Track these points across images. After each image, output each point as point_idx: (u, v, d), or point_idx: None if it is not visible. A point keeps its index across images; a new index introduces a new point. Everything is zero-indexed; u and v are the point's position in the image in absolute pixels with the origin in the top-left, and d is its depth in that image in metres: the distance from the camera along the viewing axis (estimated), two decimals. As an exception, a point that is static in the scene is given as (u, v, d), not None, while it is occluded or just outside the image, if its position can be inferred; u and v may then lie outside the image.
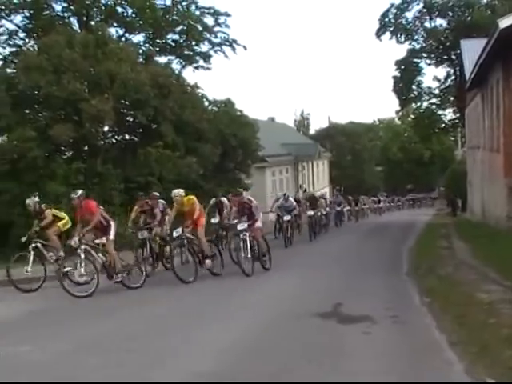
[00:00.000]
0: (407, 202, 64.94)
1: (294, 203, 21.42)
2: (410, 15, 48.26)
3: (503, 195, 17.33)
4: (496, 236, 15.79)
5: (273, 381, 5.64)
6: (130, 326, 8.39)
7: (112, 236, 11.85)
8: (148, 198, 15.40)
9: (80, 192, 12.03)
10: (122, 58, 22.12)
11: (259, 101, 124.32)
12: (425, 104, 52.28)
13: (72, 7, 27.48)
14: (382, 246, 19.25)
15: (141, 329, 8.09)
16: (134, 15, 28.81)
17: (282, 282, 12.16)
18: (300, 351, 6.53)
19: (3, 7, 26.60)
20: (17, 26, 27.79)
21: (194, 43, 30.93)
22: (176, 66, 30.50)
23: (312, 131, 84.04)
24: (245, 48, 32.27)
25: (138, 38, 30.40)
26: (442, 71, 58.99)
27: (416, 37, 48.95)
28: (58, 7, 27.82)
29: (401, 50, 78.09)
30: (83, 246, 11.34)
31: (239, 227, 13.39)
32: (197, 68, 31.64)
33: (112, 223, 12.02)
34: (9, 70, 24.02)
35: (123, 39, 28.87)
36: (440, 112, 52.43)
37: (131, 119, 23.61)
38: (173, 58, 30.99)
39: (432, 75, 67.10)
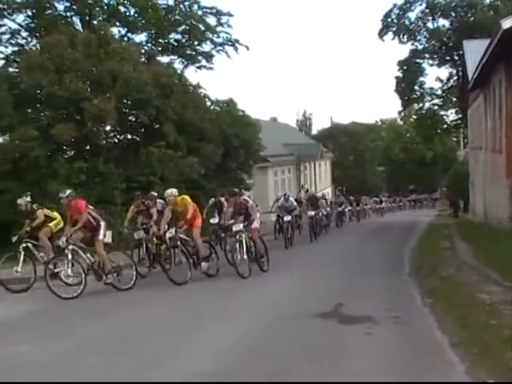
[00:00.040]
0: (408, 202, 64.91)
1: (295, 203, 21.24)
2: (412, 15, 48.29)
3: (505, 196, 17.30)
4: (498, 237, 15.77)
5: (273, 381, 5.63)
6: (122, 328, 8.35)
7: (101, 236, 11.61)
8: (146, 197, 15.32)
9: (68, 191, 11.83)
10: (125, 58, 22.13)
11: (261, 101, 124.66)
12: (427, 104, 52.26)
13: (74, 6, 27.49)
14: (384, 246, 19.23)
15: (133, 330, 8.07)
16: (136, 15, 28.82)
17: (283, 283, 12.08)
18: (300, 351, 6.52)
19: (6, 6, 26.60)
20: (19, 25, 27.85)
21: (196, 43, 30.93)
22: (178, 65, 30.56)
23: (314, 131, 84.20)
24: (247, 48, 32.32)
25: (141, 37, 30.47)
26: (444, 72, 58.85)
27: (418, 37, 48.92)
28: (60, 6, 27.89)
29: (403, 51, 77.98)
30: (71, 247, 11.16)
31: (235, 228, 13.17)
32: (199, 68, 31.69)
33: (102, 223, 11.76)
34: (11, 70, 24.02)
35: (125, 39, 28.88)
36: (442, 112, 52.42)
37: (133, 119, 23.61)
38: (175, 57, 31.03)
39: (434, 76, 67.28)
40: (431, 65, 50.45)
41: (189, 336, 7.50)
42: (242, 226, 13.07)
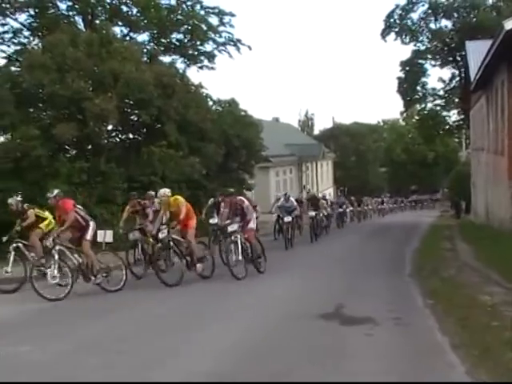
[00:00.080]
0: (409, 203, 64.89)
1: (295, 203, 21.05)
2: (415, 16, 48.26)
3: (507, 197, 17.29)
4: (499, 238, 15.76)
5: (274, 381, 5.63)
6: (120, 328, 8.34)
7: (89, 236, 11.48)
8: (143, 197, 15.17)
9: (56, 191, 11.72)
10: (126, 57, 22.10)
11: (263, 101, 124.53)
12: (429, 105, 52.26)
13: (77, 6, 27.42)
14: (385, 247, 19.21)
15: (130, 330, 8.07)
16: (138, 14, 28.76)
17: (283, 284, 12.03)
18: (301, 352, 6.52)
19: (8, 5, 26.59)
20: (22, 24, 27.76)
21: (198, 43, 30.86)
22: (180, 65, 30.46)
23: (316, 132, 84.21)
24: (249, 48, 32.23)
25: (143, 37, 30.37)
26: (446, 72, 59.08)
27: (421, 38, 48.90)
28: (62, 6, 27.79)
29: (405, 51, 78.02)
30: (57, 247, 11.02)
31: (230, 229, 12.96)
32: (201, 68, 31.59)
33: (91, 223, 11.66)
34: (13, 69, 23.97)
35: (128, 38, 28.82)
36: (444, 113, 52.40)
37: (135, 118, 23.59)
38: (177, 57, 30.95)
39: (437, 76, 67.36)
40: (433, 65, 50.55)
41: (183, 338, 7.49)
42: (237, 226, 12.87)
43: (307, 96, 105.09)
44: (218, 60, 39.76)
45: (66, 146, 22.42)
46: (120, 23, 28.73)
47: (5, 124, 20.49)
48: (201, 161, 23.43)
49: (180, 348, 6.94)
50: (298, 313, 8.56)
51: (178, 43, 30.77)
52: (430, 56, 49.72)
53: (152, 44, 30.36)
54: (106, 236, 13.67)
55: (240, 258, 12.55)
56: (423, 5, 47.49)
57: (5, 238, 12.61)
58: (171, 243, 12.33)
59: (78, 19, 28.32)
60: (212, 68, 31.71)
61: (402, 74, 50.05)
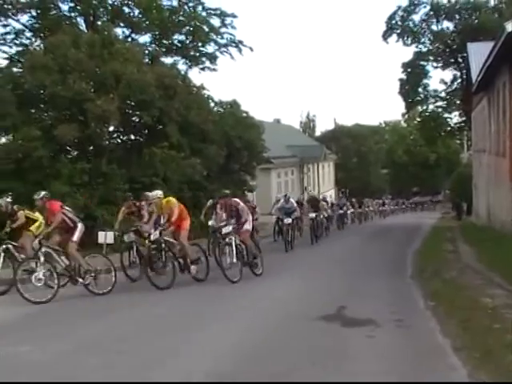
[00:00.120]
0: (409, 205, 64.87)
1: (295, 205, 20.89)
2: (416, 18, 48.34)
3: (509, 199, 17.28)
4: (501, 240, 15.74)
5: (274, 381, 5.65)
6: (114, 332, 8.29)
7: (75, 238, 11.31)
8: (140, 198, 14.98)
9: (42, 193, 11.54)
10: (128, 59, 22.09)
11: (265, 102, 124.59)
12: (431, 107, 52.30)
13: (79, 7, 27.44)
14: (386, 248, 19.18)
15: (120, 334, 8.04)
16: (140, 16, 28.76)
17: (283, 286, 12.03)
18: (302, 353, 6.52)
19: (10, 6, 26.61)
20: (24, 25, 27.76)
21: (200, 44, 30.86)
22: (182, 66, 30.46)
23: (318, 133, 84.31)
24: (251, 49, 32.24)
25: (145, 38, 30.37)
26: (448, 74, 59.04)
27: (423, 39, 48.96)
28: (64, 7, 27.80)
29: (407, 53, 78.10)
30: (43, 249, 10.88)
31: (224, 230, 12.65)
32: (203, 69, 31.60)
33: (79, 225, 11.49)
34: (15, 70, 23.99)
35: (130, 39, 28.84)
36: (446, 115, 52.41)
37: (136, 119, 23.57)
38: (179, 58, 30.96)
39: (438, 78, 67.30)
40: (435, 67, 50.55)
41: (183, 338, 7.48)
42: (231, 228, 12.60)
43: (309, 97, 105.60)
44: (220, 61, 39.80)
45: (68, 147, 22.40)
46: (122, 24, 28.75)
47: (6, 125, 20.49)
48: (202, 162, 23.42)
49: (180, 348, 6.94)
50: (298, 314, 8.55)
51: (179, 44, 30.79)
52: (431, 58, 49.74)
53: (154, 45, 30.40)
54: (107, 237, 13.67)
55: (234, 260, 12.27)
56: (425, 6, 47.64)
57: None
58: (163, 245, 12.10)
59: (80, 20, 28.35)
60: (214, 69, 31.76)
61: (403, 76, 50.12)
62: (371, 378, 5.63)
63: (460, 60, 46.47)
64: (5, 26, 27.40)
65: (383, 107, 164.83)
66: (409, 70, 49.66)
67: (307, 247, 20.49)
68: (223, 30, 31.23)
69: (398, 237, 24.47)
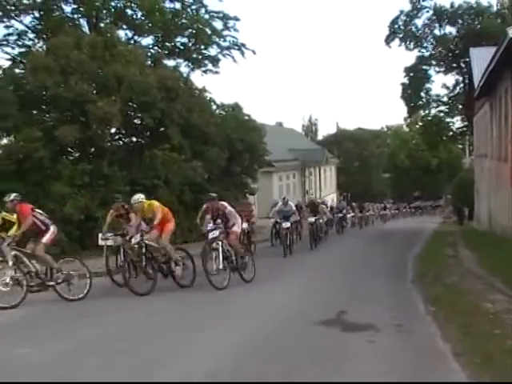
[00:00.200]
0: (409, 209, 64.82)
1: (294, 208, 20.50)
2: (419, 22, 48.26)
3: (510, 204, 17.24)
4: (503, 245, 15.70)
5: (274, 381, 5.67)
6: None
7: (45, 239, 10.98)
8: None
9: (13, 195, 11.15)
10: (130, 61, 22.09)
11: (267, 106, 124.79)
12: (433, 111, 52.16)
13: (82, 9, 27.47)
14: (387, 253, 19.08)
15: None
16: (143, 18, 28.77)
17: (283, 290, 12.01)
18: (303, 356, 6.51)
19: (13, 7, 26.65)
20: (26, 26, 27.78)
21: (202, 47, 30.86)
22: (184, 69, 30.46)
23: (320, 137, 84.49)
24: (254, 52, 32.21)
25: (147, 40, 30.36)
26: (450, 79, 59.05)
27: (425, 44, 48.91)
28: (67, 8, 27.81)
29: (410, 57, 77.98)
30: (13, 252, 10.60)
31: (210, 236, 12.10)
32: (205, 72, 31.60)
33: (51, 227, 11.18)
34: (17, 71, 23.98)
35: (132, 42, 28.85)
36: (448, 120, 52.28)
37: (138, 121, 23.56)
38: (181, 61, 30.97)
39: (441, 83, 67.33)
40: (437, 72, 50.47)
41: (183, 338, 7.45)
42: (218, 232, 12.14)
43: (311, 101, 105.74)
44: (222, 64, 39.72)
45: (69, 149, 22.37)
46: (125, 26, 28.77)
47: (8, 126, 20.47)
48: (204, 164, 23.40)
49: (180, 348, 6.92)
50: (298, 319, 8.52)
51: (182, 47, 30.79)
52: (434, 62, 49.70)
53: (156, 48, 30.40)
54: (107, 240, 13.57)
55: (221, 266, 11.83)
56: (428, 11, 47.59)
57: None
58: (143, 249, 11.76)
59: (83, 22, 28.35)
60: (216, 72, 31.75)
61: (406, 80, 50.06)
62: (371, 379, 5.66)
63: (462, 65, 46.43)
64: (7, 27, 27.46)
65: (385, 111, 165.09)
66: (411, 74, 49.63)
67: (306, 252, 19.94)
68: (226, 32, 31.24)
69: (399, 241, 24.39)
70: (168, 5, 29.65)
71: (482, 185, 28.88)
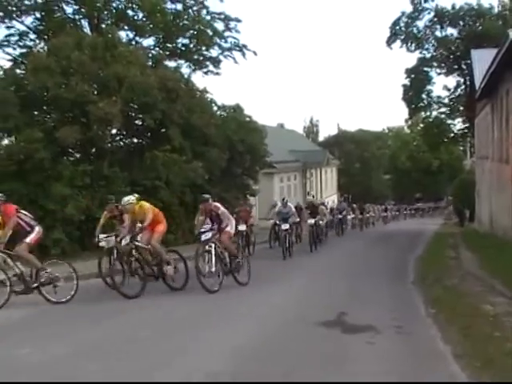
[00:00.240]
0: (409, 211, 64.69)
1: (293, 209, 20.27)
2: (420, 24, 48.26)
3: (511, 206, 17.21)
4: (504, 247, 15.68)
5: (273, 381, 5.69)
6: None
7: (29, 240, 10.78)
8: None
9: None
10: (131, 61, 22.09)
11: (269, 107, 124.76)
12: (434, 113, 52.20)
13: (83, 10, 27.50)
14: (388, 254, 19.06)
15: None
16: (144, 19, 28.80)
17: (283, 292, 12.00)
18: (302, 358, 6.51)
19: (14, 8, 26.68)
20: (28, 27, 27.83)
21: (203, 48, 30.87)
22: (185, 70, 30.49)
23: (321, 138, 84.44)
24: (255, 53, 32.22)
25: (149, 41, 30.37)
26: (452, 80, 58.97)
27: (426, 46, 48.90)
28: (69, 9, 27.86)
29: (411, 59, 78.21)
30: None
31: (203, 237, 11.94)
32: (206, 73, 31.63)
33: (36, 228, 11.01)
34: (18, 71, 24.00)
35: (134, 42, 28.87)
36: (449, 121, 52.31)
37: (139, 122, 23.57)
38: (182, 62, 31.00)
39: (442, 84, 67.35)
40: (439, 73, 50.47)
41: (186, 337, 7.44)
42: (211, 234, 12.00)
43: (312, 102, 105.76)
44: (224, 65, 39.72)
45: (70, 149, 22.38)
46: (126, 27, 28.80)
47: (9, 126, 20.48)
48: (204, 165, 23.40)
49: (188, 346, 6.91)
50: (297, 320, 8.51)
51: (183, 48, 30.80)
52: (435, 64, 49.70)
53: (157, 49, 30.41)
54: (108, 241, 13.56)
55: (213, 269, 11.62)
56: (429, 13, 47.58)
57: None
58: (133, 251, 11.67)
59: (85, 23, 28.40)
60: (217, 73, 31.80)
61: (407, 82, 50.07)
62: (371, 380, 5.69)
63: (464, 66, 46.43)
64: (9, 27, 27.55)
65: (386, 113, 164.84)
66: (412, 76, 49.64)
67: (306, 254, 19.80)
68: (227, 33, 31.28)
69: (400, 243, 24.35)
70: (169, 6, 29.73)
71: (483, 186, 28.84)
